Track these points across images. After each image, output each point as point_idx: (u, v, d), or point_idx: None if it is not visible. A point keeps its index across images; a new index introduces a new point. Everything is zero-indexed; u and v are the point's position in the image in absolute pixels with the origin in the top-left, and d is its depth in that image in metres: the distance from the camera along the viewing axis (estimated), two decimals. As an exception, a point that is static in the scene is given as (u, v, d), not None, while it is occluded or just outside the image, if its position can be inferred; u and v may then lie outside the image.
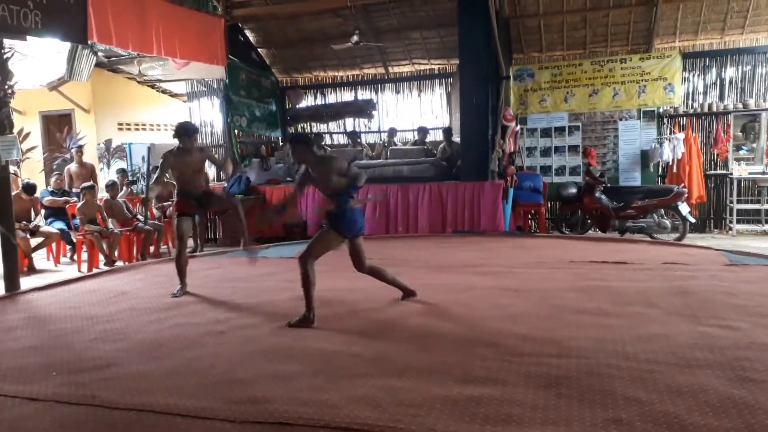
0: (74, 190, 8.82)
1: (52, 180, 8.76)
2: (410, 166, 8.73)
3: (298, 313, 4.30)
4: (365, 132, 11.65)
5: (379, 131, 11.60)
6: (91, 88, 11.33)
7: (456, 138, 9.41)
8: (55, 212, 8.36)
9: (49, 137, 11.95)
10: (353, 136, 10.76)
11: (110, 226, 7.73)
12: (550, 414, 2.68)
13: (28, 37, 5.63)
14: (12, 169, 7.60)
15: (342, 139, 11.74)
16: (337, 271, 6.17)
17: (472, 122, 8.41)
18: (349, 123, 11.76)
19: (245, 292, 5.43)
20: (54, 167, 11.11)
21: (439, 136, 10.40)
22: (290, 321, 4.25)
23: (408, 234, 8.45)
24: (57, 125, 11.73)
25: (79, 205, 7.77)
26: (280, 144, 11.33)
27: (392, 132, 10.61)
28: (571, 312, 4.32)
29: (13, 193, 6.61)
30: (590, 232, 8.78)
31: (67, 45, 8.77)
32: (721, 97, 9.29)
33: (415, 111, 11.45)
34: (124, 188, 9.25)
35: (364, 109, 11.32)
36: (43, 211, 8.33)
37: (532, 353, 3.46)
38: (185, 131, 5.32)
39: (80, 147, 9.80)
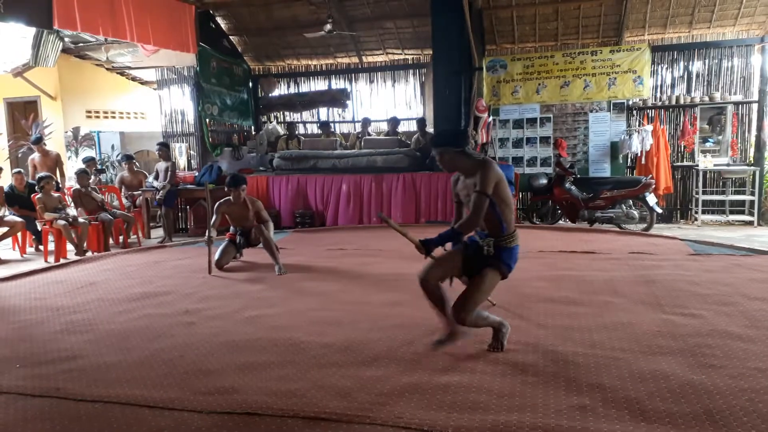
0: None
1: (13, 177, 8.06)
2: (384, 157, 8.72)
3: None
4: (339, 122, 11.61)
5: (353, 121, 11.56)
6: (58, 74, 11.08)
7: (430, 128, 9.42)
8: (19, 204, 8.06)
9: (14, 125, 11.66)
10: (326, 125, 10.70)
11: (71, 212, 7.57)
12: (516, 401, 2.72)
13: (-11, 21, 5.49)
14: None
15: (315, 129, 11.68)
16: (312, 263, 6.13)
17: (445, 113, 8.42)
18: (323, 113, 11.70)
19: (215, 283, 5.40)
20: (19, 155, 10.84)
21: (413, 126, 10.41)
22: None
23: (382, 224, 8.46)
24: (22, 112, 11.43)
25: (38, 195, 7.57)
26: (252, 133, 11.23)
27: (366, 122, 10.57)
28: (539, 301, 4.39)
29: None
30: (560, 222, 8.90)
31: (32, 30, 8.55)
32: (689, 90, 9.45)
33: (389, 101, 11.44)
34: (92, 177, 9.05)
35: (338, 98, 11.28)
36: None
37: (501, 342, 3.51)
38: (234, 182, 5.90)
39: (39, 138, 9.19)
